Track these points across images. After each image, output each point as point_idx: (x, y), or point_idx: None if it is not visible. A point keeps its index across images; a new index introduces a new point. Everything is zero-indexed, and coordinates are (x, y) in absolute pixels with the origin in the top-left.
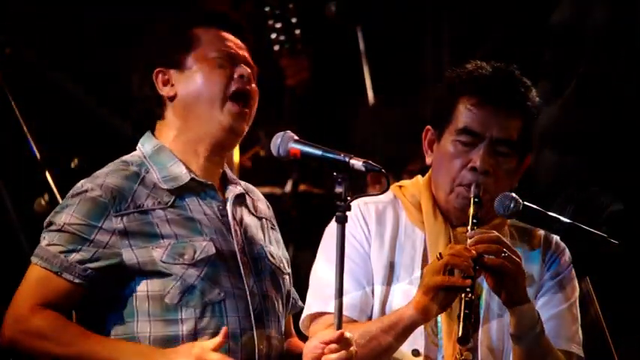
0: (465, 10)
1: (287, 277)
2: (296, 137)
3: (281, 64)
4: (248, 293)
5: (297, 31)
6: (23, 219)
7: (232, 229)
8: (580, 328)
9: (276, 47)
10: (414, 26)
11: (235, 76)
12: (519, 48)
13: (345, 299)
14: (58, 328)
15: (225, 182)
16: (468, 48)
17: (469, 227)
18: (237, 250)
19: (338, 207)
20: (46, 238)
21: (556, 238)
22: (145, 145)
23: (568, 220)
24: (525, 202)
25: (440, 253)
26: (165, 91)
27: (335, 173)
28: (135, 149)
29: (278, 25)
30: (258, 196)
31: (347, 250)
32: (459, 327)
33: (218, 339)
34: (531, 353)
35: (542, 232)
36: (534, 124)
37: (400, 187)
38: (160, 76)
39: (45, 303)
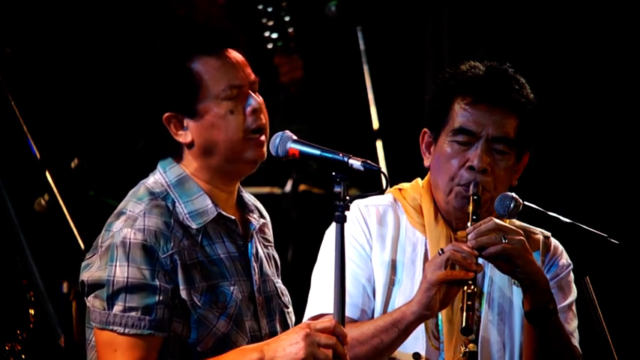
0: (465, 11)
1: (292, 313)
2: (295, 137)
3: (274, 62)
4: (262, 336)
5: (291, 30)
6: (23, 219)
7: (252, 268)
8: (577, 329)
9: (270, 45)
10: (414, 26)
11: (248, 111)
12: (519, 48)
13: (347, 300)
14: None
15: (240, 206)
16: (468, 48)
17: (469, 223)
18: (255, 290)
19: (337, 207)
20: (113, 301)
21: (554, 241)
22: (168, 172)
23: (568, 220)
24: (525, 202)
25: (442, 249)
26: (180, 138)
27: (334, 173)
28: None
29: (271, 23)
30: (263, 214)
31: (348, 252)
32: (462, 318)
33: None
34: (545, 332)
35: (540, 235)
36: (532, 121)
37: (400, 189)
38: (172, 120)
39: None
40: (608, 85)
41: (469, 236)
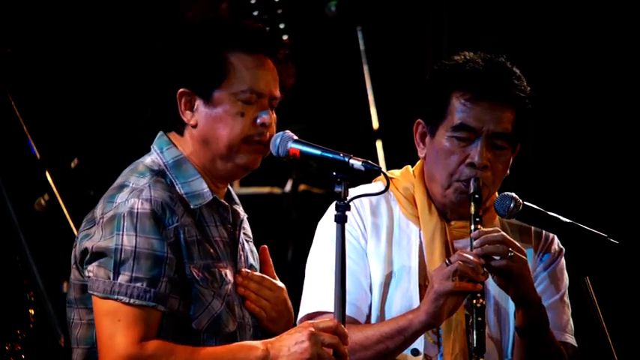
0: (465, 10)
1: None
2: (295, 137)
3: None
4: (245, 324)
5: (285, 37)
6: (23, 219)
7: (238, 255)
8: (571, 318)
9: None
10: (414, 26)
11: (258, 122)
12: (519, 48)
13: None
14: (169, 353)
15: (228, 198)
16: (468, 48)
17: (472, 226)
18: None
19: (337, 207)
20: (119, 270)
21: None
22: (165, 153)
23: (568, 220)
24: (525, 202)
25: (448, 259)
26: (186, 116)
27: (334, 173)
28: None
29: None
30: (242, 210)
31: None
32: (473, 336)
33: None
34: (536, 345)
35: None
36: (527, 113)
37: (391, 178)
38: (185, 97)
39: (145, 337)
40: (608, 85)
41: (475, 242)
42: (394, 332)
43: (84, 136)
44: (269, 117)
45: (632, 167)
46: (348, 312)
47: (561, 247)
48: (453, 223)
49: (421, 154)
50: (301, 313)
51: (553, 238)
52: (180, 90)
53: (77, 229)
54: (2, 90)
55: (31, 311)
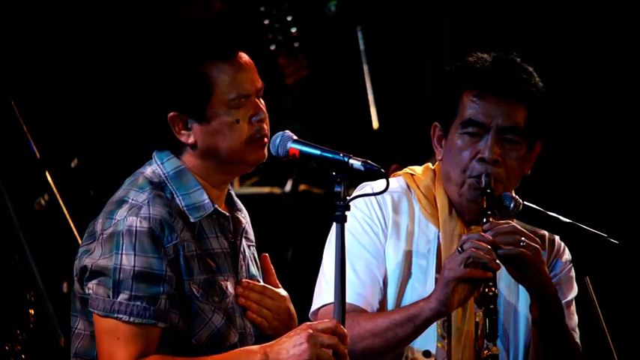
0: (465, 11)
1: None
2: (295, 137)
3: (279, 64)
4: (247, 334)
5: (294, 30)
6: (23, 219)
7: (239, 265)
8: (577, 328)
9: (273, 47)
10: (414, 26)
11: (254, 121)
12: (519, 48)
13: (356, 288)
14: None
15: (229, 204)
16: (468, 48)
17: (483, 219)
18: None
19: (337, 207)
20: (119, 289)
21: (557, 237)
22: (166, 164)
23: (568, 220)
24: (525, 202)
25: (461, 247)
26: (183, 138)
27: (334, 173)
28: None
29: (274, 25)
30: (246, 215)
31: (363, 240)
32: (485, 323)
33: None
34: (553, 340)
35: (544, 231)
36: (541, 109)
37: (412, 175)
38: (178, 121)
39: (144, 353)
40: (608, 85)
41: (486, 234)
42: (404, 319)
43: (84, 136)
44: (263, 113)
45: (632, 167)
46: (358, 303)
47: (570, 256)
48: (472, 228)
49: (439, 156)
50: (314, 307)
51: (564, 249)
52: (171, 114)
53: (77, 229)
54: (2, 90)
55: (31, 311)
